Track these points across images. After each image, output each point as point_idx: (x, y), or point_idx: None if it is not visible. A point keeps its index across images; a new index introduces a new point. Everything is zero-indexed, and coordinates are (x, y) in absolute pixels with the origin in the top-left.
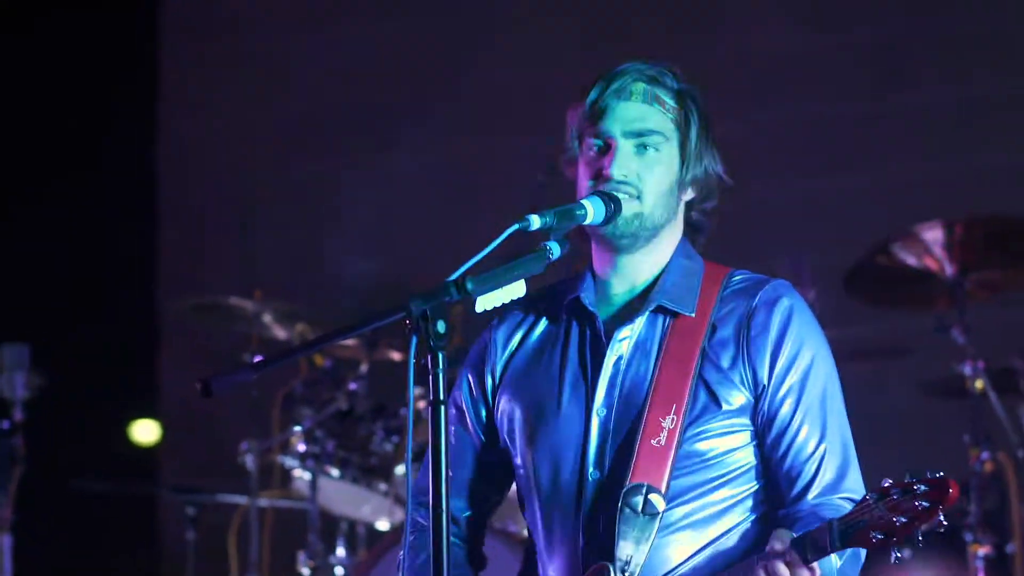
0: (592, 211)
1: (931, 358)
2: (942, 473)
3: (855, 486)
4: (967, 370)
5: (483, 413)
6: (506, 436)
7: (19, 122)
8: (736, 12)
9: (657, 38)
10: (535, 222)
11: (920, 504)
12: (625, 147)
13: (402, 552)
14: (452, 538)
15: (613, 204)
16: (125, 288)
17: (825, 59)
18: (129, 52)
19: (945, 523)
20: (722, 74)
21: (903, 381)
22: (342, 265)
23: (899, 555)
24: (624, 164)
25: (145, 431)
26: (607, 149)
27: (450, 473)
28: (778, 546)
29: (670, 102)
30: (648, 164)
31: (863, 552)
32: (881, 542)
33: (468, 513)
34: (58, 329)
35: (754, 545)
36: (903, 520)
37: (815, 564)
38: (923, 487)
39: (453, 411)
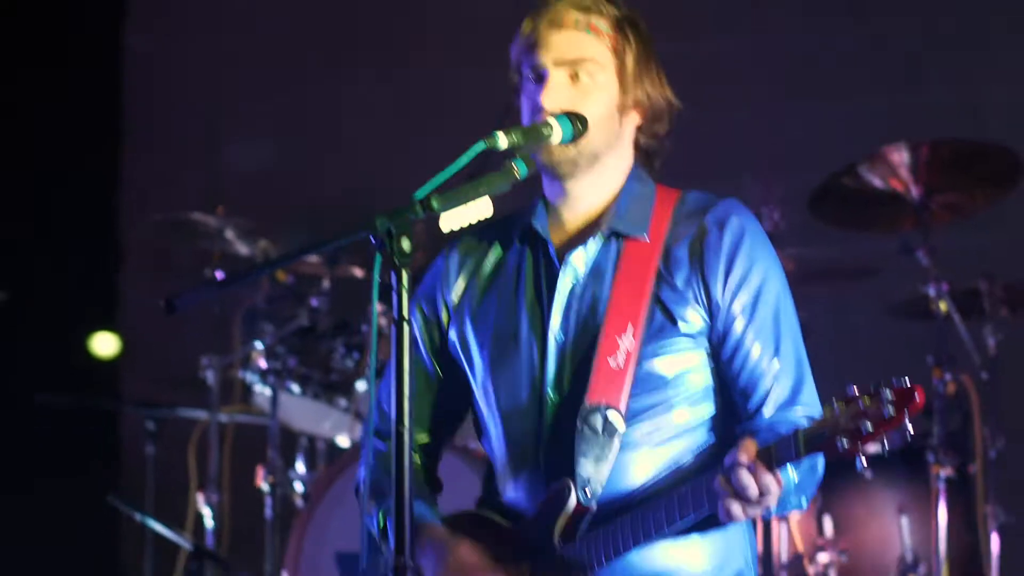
0: (559, 130)
1: (896, 280)
2: (908, 381)
3: (810, 400)
4: (931, 292)
5: (437, 340)
6: (463, 363)
7: None
8: None
9: None
10: (502, 140)
11: (887, 410)
12: (557, 77)
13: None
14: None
15: (580, 123)
16: (88, 203)
17: None
18: None
19: (911, 431)
20: (691, 1)
21: (868, 302)
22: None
23: (864, 464)
24: (555, 95)
25: (104, 344)
26: (543, 80)
27: (411, 390)
28: (742, 456)
29: (606, 29)
30: (582, 92)
31: (820, 466)
32: (847, 451)
33: (425, 440)
34: (19, 244)
35: (714, 464)
36: (868, 428)
37: (779, 472)
38: (889, 394)
39: None
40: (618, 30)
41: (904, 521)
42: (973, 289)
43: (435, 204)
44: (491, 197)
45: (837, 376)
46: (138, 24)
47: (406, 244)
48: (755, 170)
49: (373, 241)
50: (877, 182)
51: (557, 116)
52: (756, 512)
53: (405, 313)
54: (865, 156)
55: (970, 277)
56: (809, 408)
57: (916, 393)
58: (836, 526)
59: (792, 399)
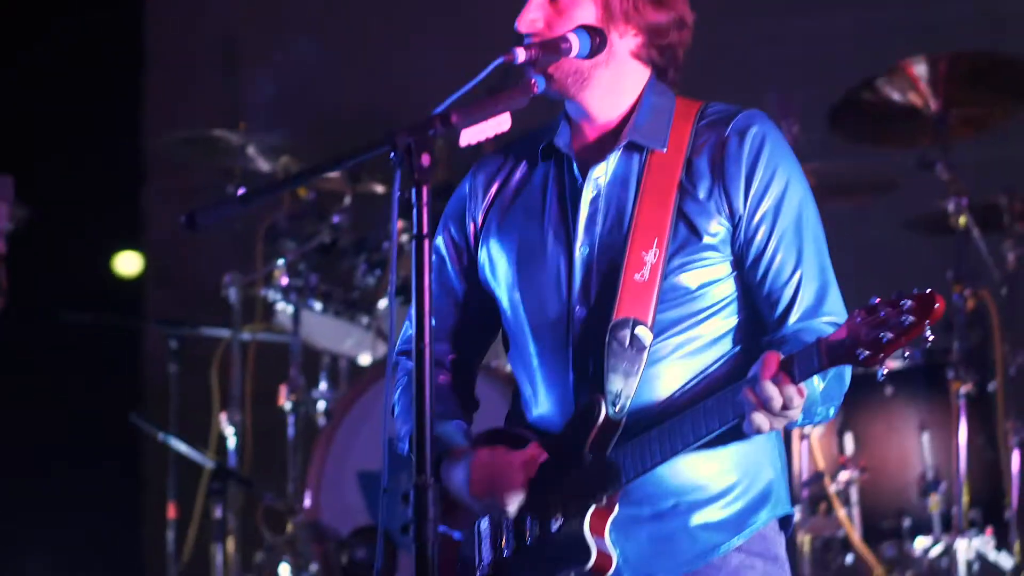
0: (577, 43)
1: (915, 194)
2: (929, 289)
3: (836, 308)
4: (951, 206)
5: (465, 259)
6: (490, 280)
7: None
8: None
9: None
10: (520, 54)
11: (906, 319)
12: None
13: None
14: (439, 379)
15: (599, 37)
16: (110, 121)
17: None
18: None
19: (931, 338)
20: None
21: (887, 217)
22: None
23: (884, 372)
24: (531, 16)
25: (128, 263)
26: None
27: (432, 307)
28: (765, 369)
29: None
30: (560, 10)
31: (847, 375)
32: (868, 359)
33: (454, 356)
34: (43, 162)
35: (742, 374)
36: (889, 336)
37: (802, 384)
38: (909, 302)
39: (435, 259)
40: None
41: (925, 438)
42: (993, 204)
43: (454, 119)
44: (511, 112)
45: (856, 291)
46: None
47: (426, 160)
48: (773, 85)
49: (393, 157)
50: (896, 96)
51: (575, 30)
52: (781, 423)
53: (425, 229)
54: (883, 70)
55: (990, 191)
56: (835, 315)
57: (935, 301)
58: (857, 444)
59: (817, 306)
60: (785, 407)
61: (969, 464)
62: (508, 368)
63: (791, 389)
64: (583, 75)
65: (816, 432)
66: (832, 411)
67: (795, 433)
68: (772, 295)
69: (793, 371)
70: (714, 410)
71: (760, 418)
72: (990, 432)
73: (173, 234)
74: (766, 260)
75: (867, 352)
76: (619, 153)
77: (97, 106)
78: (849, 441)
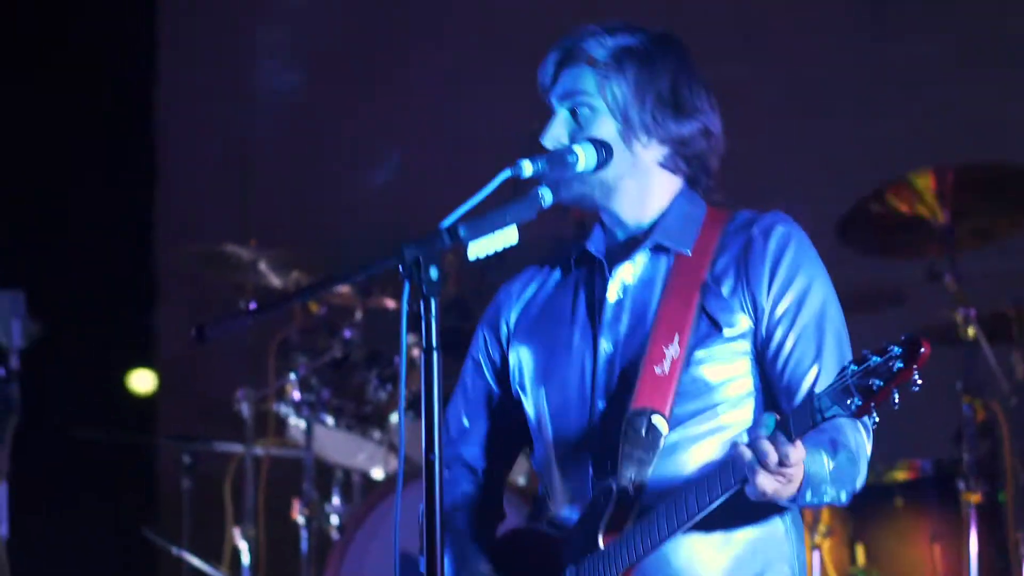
0: (584, 157)
1: (924, 305)
2: (914, 334)
3: None
4: (959, 317)
5: (499, 363)
6: (518, 380)
7: (20, 71)
8: None
9: None
10: (527, 168)
11: (895, 364)
12: (560, 113)
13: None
14: (469, 486)
15: (605, 150)
16: (122, 236)
17: (819, 7)
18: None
19: (919, 381)
20: (708, 26)
21: (896, 328)
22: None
23: (875, 420)
24: (554, 132)
25: (142, 380)
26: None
27: (455, 422)
28: (763, 429)
29: (604, 59)
30: (583, 125)
31: (861, 460)
32: (860, 409)
33: (487, 464)
34: (55, 277)
35: None
36: (879, 383)
37: (799, 443)
38: (897, 348)
39: (470, 363)
40: (616, 59)
41: (936, 549)
42: (1001, 314)
43: (462, 232)
44: (518, 225)
45: None
46: (168, 56)
47: (434, 273)
48: (780, 196)
49: (401, 270)
50: (904, 208)
51: (582, 143)
52: (786, 487)
53: (434, 342)
54: (891, 181)
55: (998, 302)
56: None
57: (922, 345)
58: (868, 555)
59: None
60: (782, 463)
61: (981, 575)
62: (520, 481)
63: (787, 446)
64: (609, 186)
65: (827, 543)
66: (844, 495)
67: (806, 543)
68: (791, 387)
69: (788, 426)
70: (716, 475)
71: (760, 476)
72: (1001, 543)
73: (186, 349)
74: (786, 353)
75: (859, 401)
76: (646, 254)
77: (109, 222)
78: (860, 552)
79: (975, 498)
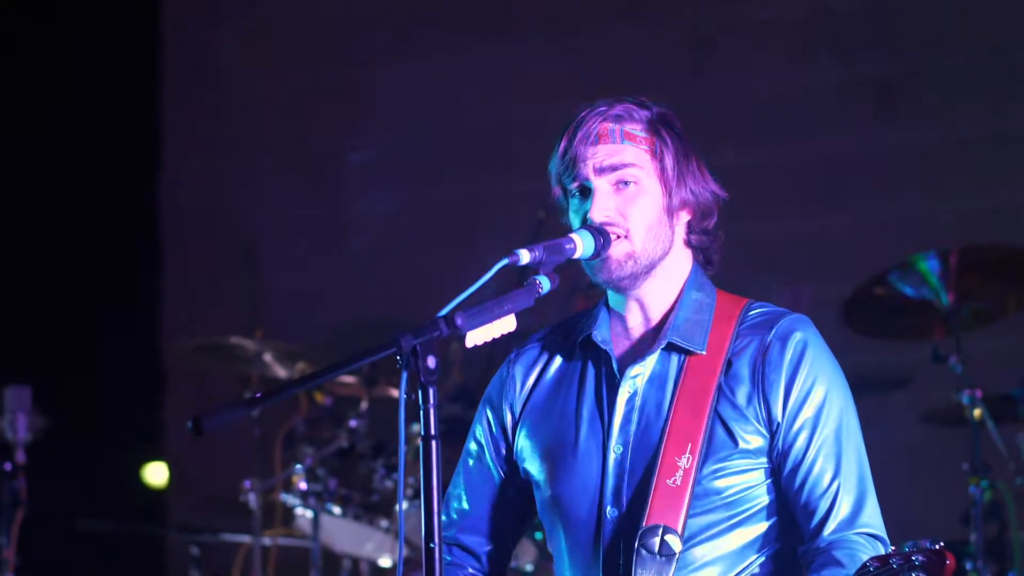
0: (581, 245)
1: (930, 387)
2: (941, 544)
3: (872, 520)
4: (965, 399)
5: (503, 448)
6: (526, 472)
7: (19, 161)
8: (728, 49)
9: (651, 76)
10: (524, 256)
11: (918, 575)
12: (603, 187)
13: None
14: (472, 571)
15: (602, 238)
16: (128, 329)
17: (821, 97)
18: (129, 91)
19: None
20: (717, 113)
21: (902, 410)
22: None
23: None
24: (604, 205)
25: (157, 473)
26: (588, 193)
27: (457, 506)
28: None
29: (641, 134)
30: (629, 199)
31: None
32: None
33: (489, 548)
34: (61, 371)
35: None
36: None
37: None
38: (920, 558)
39: (472, 446)
40: (653, 132)
41: None
42: (1006, 395)
43: (459, 321)
44: (515, 314)
45: (876, 486)
46: (172, 146)
47: (431, 362)
48: (784, 280)
49: (399, 359)
50: (908, 290)
51: (578, 231)
52: None
53: (432, 431)
54: (895, 264)
55: (1003, 383)
56: (871, 527)
57: (947, 558)
58: None
59: (853, 518)
60: None
61: None
62: (527, 568)
63: None
64: (654, 264)
65: None
66: None
67: None
68: (809, 505)
69: None
70: None
71: None
72: None
73: (192, 441)
74: (804, 469)
75: None
76: (658, 354)
77: (113, 313)
78: None
79: None
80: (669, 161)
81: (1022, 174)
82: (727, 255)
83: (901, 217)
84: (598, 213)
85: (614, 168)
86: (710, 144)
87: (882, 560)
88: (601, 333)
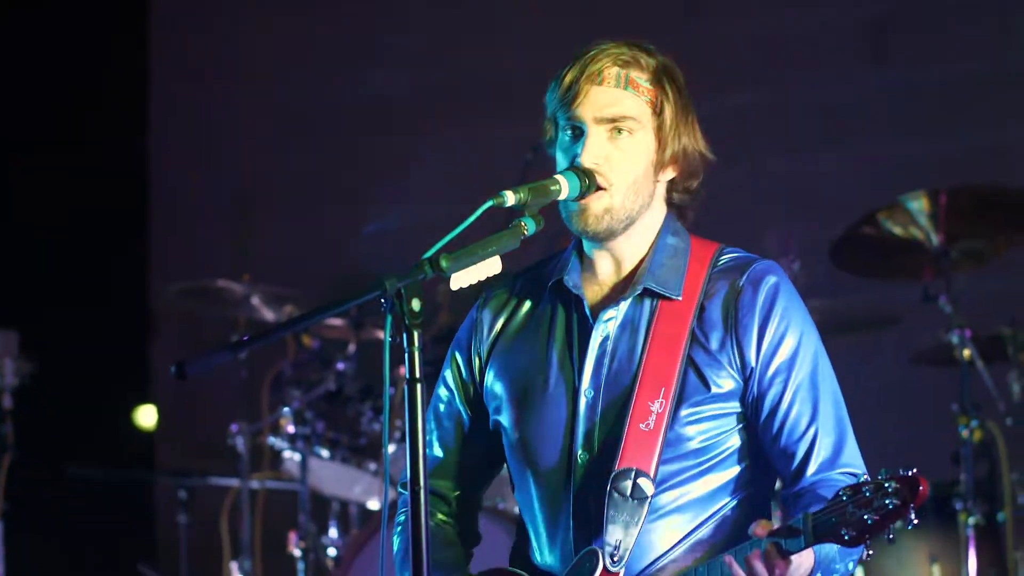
0: (566, 186)
1: (919, 328)
2: (915, 470)
3: (852, 460)
4: (954, 339)
5: (471, 392)
6: (495, 416)
7: (10, 106)
8: None
9: (640, 21)
10: (509, 198)
11: (891, 501)
12: (597, 133)
13: (390, 533)
14: (443, 516)
15: (587, 178)
16: (116, 273)
17: (813, 38)
18: (120, 38)
19: (915, 520)
20: (707, 55)
21: (892, 351)
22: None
23: (870, 552)
24: (595, 151)
25: (147, 416)
26: (581, 134)
27: (427, 451)
28: (754, 548)
29: (645, 84)
30: (621, 149)
31: None
32: (853, 539)
33: (458, 492)
34: (48, 316)
35: (737, 529)
36: (875, 518)
37: (792, 558)
38: (894, 484)
39: (442, 391)
40: (657, 84)
41: (935, 569)
42: (996, 335)
43: (444, 264)
44: (500, 256)
45: (866, 427)
46: (161, 93)
47: (416, 304)
48: (773, 222)
49: (383, 302)
50: (897, 231)
51: (564, 172)
52: None
53: (418, 373)
54: (884, 205)
55: (993, 323)
56: (852, 466)
57: (920, 483)
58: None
59: (834, 458)
60: None
61: None
62: (516, 510)
63: (780, 565)
64: (632, 219)
65: None
66: (851, 564)
67: None
68: (788, 449)
69: (783, 543)
70: None
71: None
72: (1000, 563)
73: (180, 385)
74: (781, 414)
75: (852, 532)
76: (631, 298)
77: (102, 257)
78: (860, 574)
79: (974, 518)
80: (668, 116)
81: (1011, 114)
82: (715, 196)
83: (891, 158)
84: (588, 159)
85: (613, 118)
86: (701, 87)
87: (855, 488)
88: (572, 278)
